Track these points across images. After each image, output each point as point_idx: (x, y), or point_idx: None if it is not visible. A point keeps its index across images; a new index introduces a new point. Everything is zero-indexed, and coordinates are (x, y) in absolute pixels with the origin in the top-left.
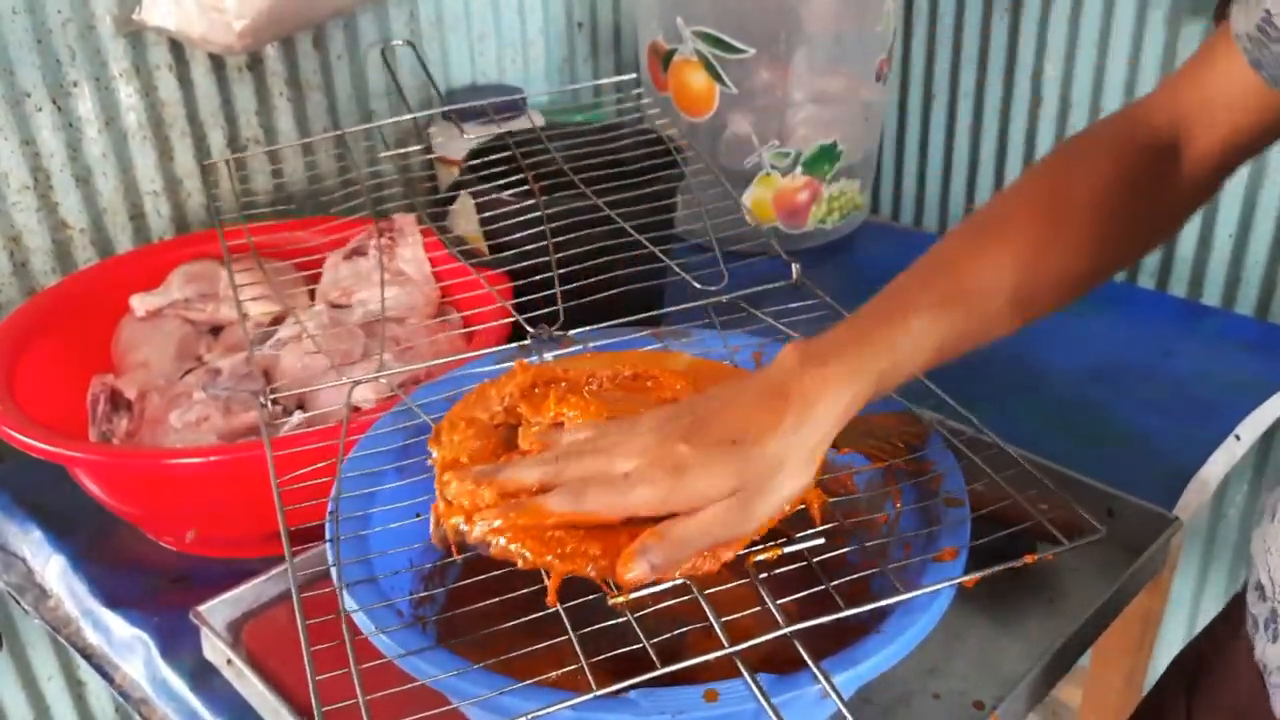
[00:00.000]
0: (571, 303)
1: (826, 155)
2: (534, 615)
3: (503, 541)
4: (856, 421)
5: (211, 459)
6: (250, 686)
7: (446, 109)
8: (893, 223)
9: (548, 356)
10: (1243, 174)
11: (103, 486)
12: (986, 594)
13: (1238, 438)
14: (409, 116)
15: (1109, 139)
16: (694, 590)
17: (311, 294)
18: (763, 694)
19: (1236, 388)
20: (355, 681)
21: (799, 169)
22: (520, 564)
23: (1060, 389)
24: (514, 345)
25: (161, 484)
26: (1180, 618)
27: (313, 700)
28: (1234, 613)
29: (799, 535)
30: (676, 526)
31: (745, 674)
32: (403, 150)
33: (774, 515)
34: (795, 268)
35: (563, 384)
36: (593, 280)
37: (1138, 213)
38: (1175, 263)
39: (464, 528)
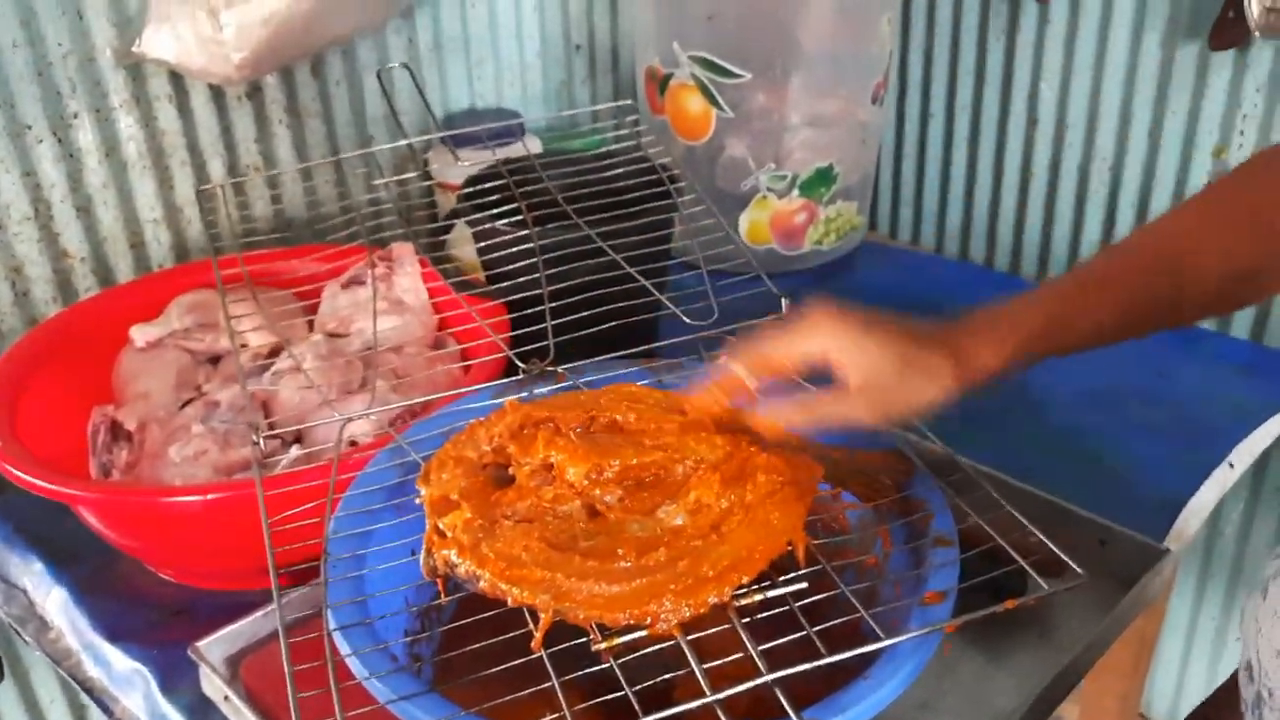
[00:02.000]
0: (563, 337)
1: (823, 178)
2: (528, 657)
3: (488, 576)
4: (846, 459)
5: (208, 497)
6: None
7: (443, 134)
8: (890, 240)
9: (539, 392)
10: None
11: (102, 522)
12: (978, 628)
13: (1231, 465)
14: (405, 142)
15: None
16: (678, 637)
17: (310, 324)
18: None
19: (1231, 412)
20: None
21: (796, 191)
22: (510, 602)
23: (1058, 414)
24: (506, 381)
25: (159, 520)
26: (1177, 636)
27: None
28: (1228, 688)
29: (783, 579)
30: (821, 403)
31: None
32: (400, 177)
33: (899, 418)
34: (785, 302)
35: (552, 424)
36: (585, 314)
37: None
38: None
39: (455, 560)
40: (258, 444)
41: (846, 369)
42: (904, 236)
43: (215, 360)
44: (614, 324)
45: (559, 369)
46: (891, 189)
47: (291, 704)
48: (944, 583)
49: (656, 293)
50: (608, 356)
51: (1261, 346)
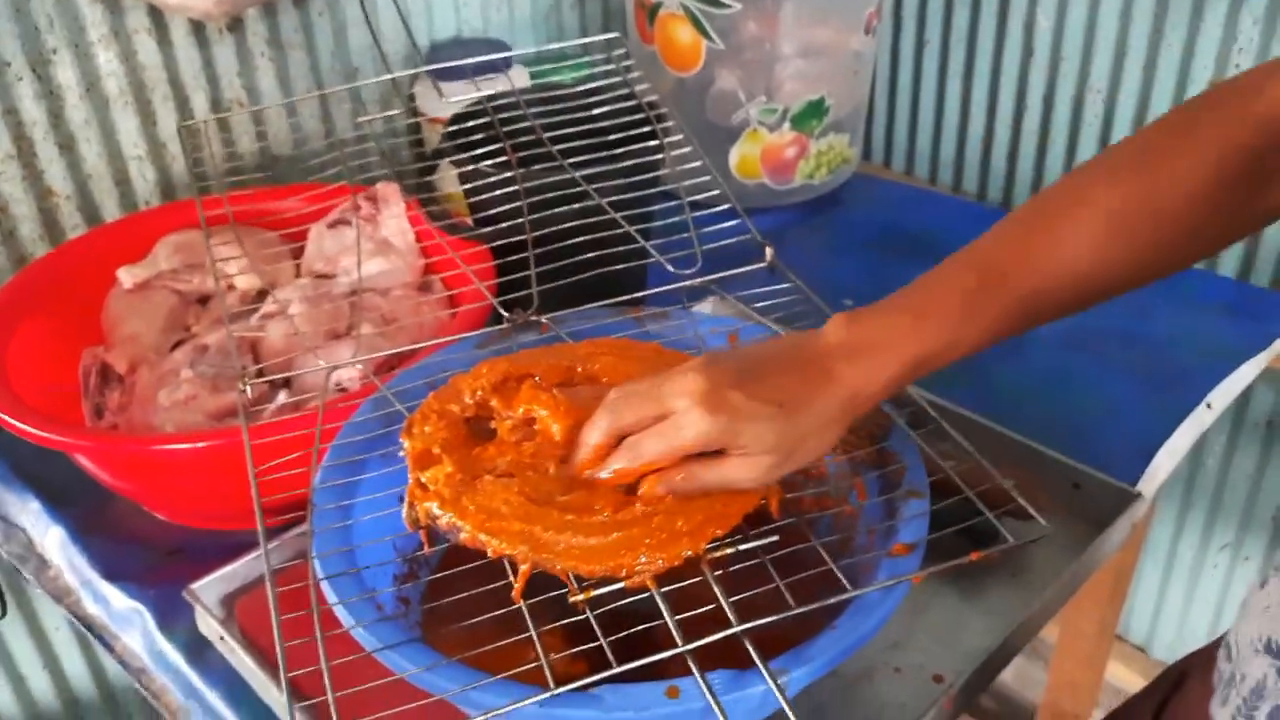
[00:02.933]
0: (547, 285)
1: (814, 110)
2: (509, 607)
3: (469, 529)
4: None
5: (198, 445)
6: (242, 662)
7: (428, 69)
8: (884, 170)
9: (523, 341)
10: None
11: (96, 467)
12: (951, 568)
13: (1209, 406)
14: (389, 77)
15: (1219, 112)
16: (652, 588)
17: (297, 265)
18: (711, 693)
19: (1211, 353)
20: (325, 680)
21: (787, 124)
22: (490, 553)
23: (1039, 355)
24: (490, 330)
25: (152, 466)
26: (1156, 564)
27: (285, 698)
28: (1212, 652)
29: (755, 533)
30: (705, 469)
31: (695, 672)
32: (386, 114)
33: (779, 477)
34: (769, 251)
35: (534, 378)
36: (569, 262)
37: (1246, 200)
38: None
39: (436, 512)
40: (244, 391)
41: (730, 445)
42: (898, 167)
43: (204, 300)
44: (598, 272)
45: (543, 319)
46: (886, 120)
47: (279, 652)
48: (913, 535)
49: (643, 241)
50: (592, 306)
51: (1247, 285)
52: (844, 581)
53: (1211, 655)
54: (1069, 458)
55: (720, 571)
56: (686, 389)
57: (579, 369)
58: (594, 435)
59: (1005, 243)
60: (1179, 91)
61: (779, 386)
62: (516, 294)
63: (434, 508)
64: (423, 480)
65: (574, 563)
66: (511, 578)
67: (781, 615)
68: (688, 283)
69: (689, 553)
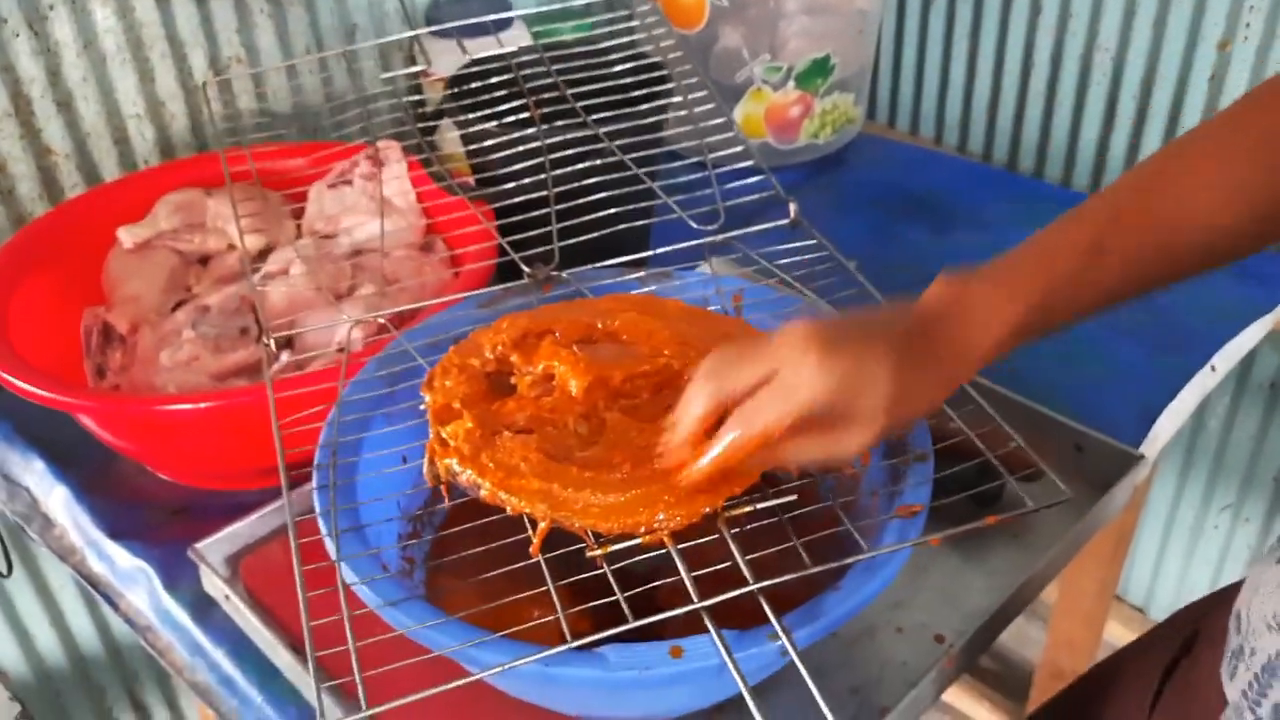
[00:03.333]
0: (566, 241)
1: (819, 69)
2: (519, 563)
3: (488, 486)
4: None
5: (203, 405)
6: (246, 620)
7: (430, 30)
8: (889, 130)
9: (543, 298)
10: (1238, 91)
11: (99, 427)
12: (968, 531)
13: (1213, 369)
14: (391, 39)
15: None
16: (669, 545)
17: (298, 225)
18: (726, 649)
19: (1217, 316)
20: (347, 630)
21: (791, 83)
22: (509, 510)
23: None
24: (509, 285)
25: (156, 427)
26: (1156, 525)
27: (308, 648)
28: (1223, 614)
29: (774, 491)
30: (815, 440)
31: (712, 630)
32: (391, 74)
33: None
34: (793, 207)
35: (556, 334)
36: (587, 219)
37: None
38: None
39: (457, 469)
40: (267, 345)
41: (847, 404)
42: (903, 127)
43: (205, 261)
44: (618, 229)
45: (564, 274)
46: (892, 79)
47: (303, 608)
48: (920, 498)
49: (665, 196)
50: (610, 263)
51: None
52: (861, 543)
53: (1222, 618)
54: (1073, 420)
55: (736, 530)
56: (796, 344)
57: (599, 325)
58: (697, 405)
59: (1122, 200)
60: (1188, 51)
61: (888, 346)
62: (535, 250)
63: (454, 464)
64: (444, 435)
65: (593, 520)
66: (530, 533)
67: (800, 574)
68: (709, 239)
69: (708, 509)
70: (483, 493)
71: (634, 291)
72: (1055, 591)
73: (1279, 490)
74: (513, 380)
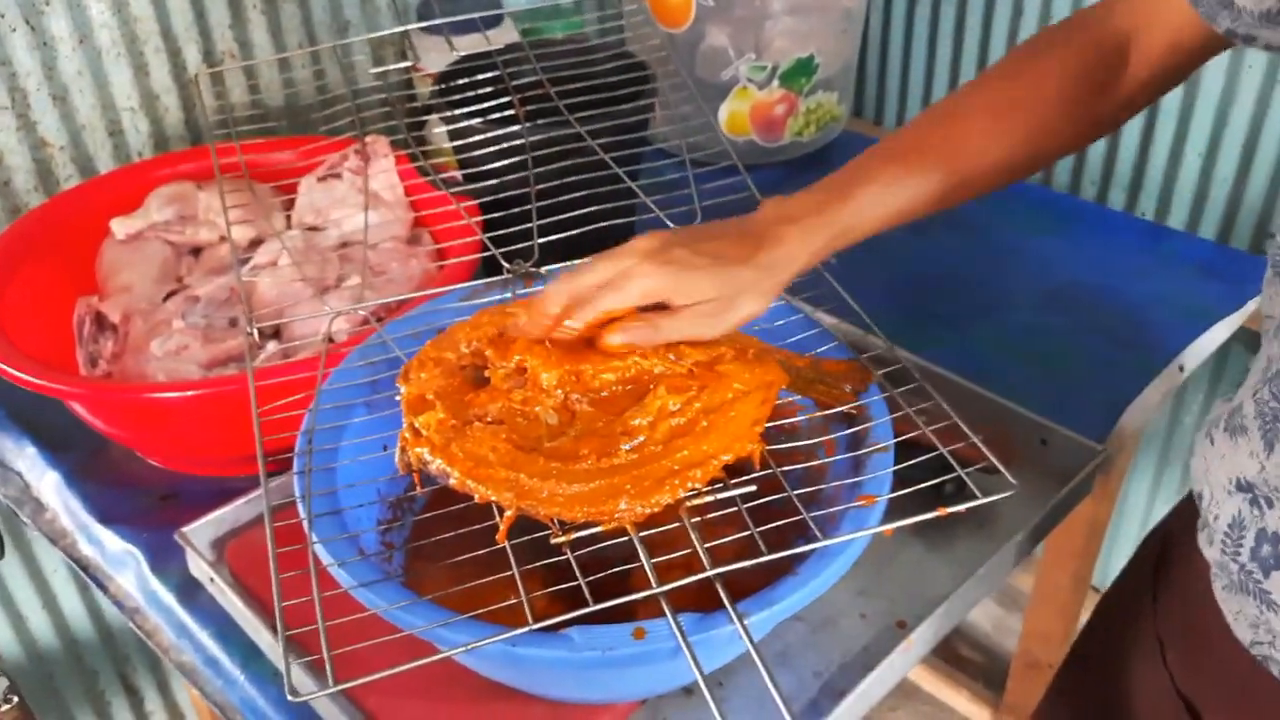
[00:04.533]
0: (547, 238)
1: (803, 68)
2: (492, 547)
3: (457, 474)
4: (809, 368)
5: (191, 393)
6: (231, 603)
7: (425, 24)
8: (875, 128)
9: (521, 293)
10: (1213, 90)
11: (91, 414)
12: (918, 522)
13: (1181, 369)
14: (382, 34)
15: (1070, 34)
16: (632, 533)
17: (288, 217)
18: (681, 633)
19: (1186, 314)
20: (317, 609)
21: (776, 82)
22: (477, 498)
23: (1019, 313)
24: (490, 280)
25: (146, 414)
26: (1134, 519)
27: (278, 626)
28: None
29: (734, 481)
30: (661, 319)
31: (668, 614)
32: (381, 69)
33: (731, 329)
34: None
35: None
36: (566, 216)
37: (1090, 105)
38: (1145, 180)
39: (428, 457)
40: (250, 335)
41: (674, 300)
42: (889, 125)
43: (196, 252)
44: (596, 227)
45: (542, 270)
46: (877, 77)
47: (274, 582)
48: (878, 489)
49: (643, 195)
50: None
51: (1226, 247)
52: (815, 531)
53: (1189, 510)
54: (1039, 415)
55: (697, 519)
56: (636, 249)
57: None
58: (553, 302)
59: (912, 137)
60: None
61: (718, 247)
62: (515, 246)
63: (425, 453)
64: (416, 425)
65: (557, 509)
66: (498, 519)
67: (754, 561)
68: None
69: (668, 499)
70: (452, 481)
71: None
72: (1032, 584)
73: None
74: (487, 374)
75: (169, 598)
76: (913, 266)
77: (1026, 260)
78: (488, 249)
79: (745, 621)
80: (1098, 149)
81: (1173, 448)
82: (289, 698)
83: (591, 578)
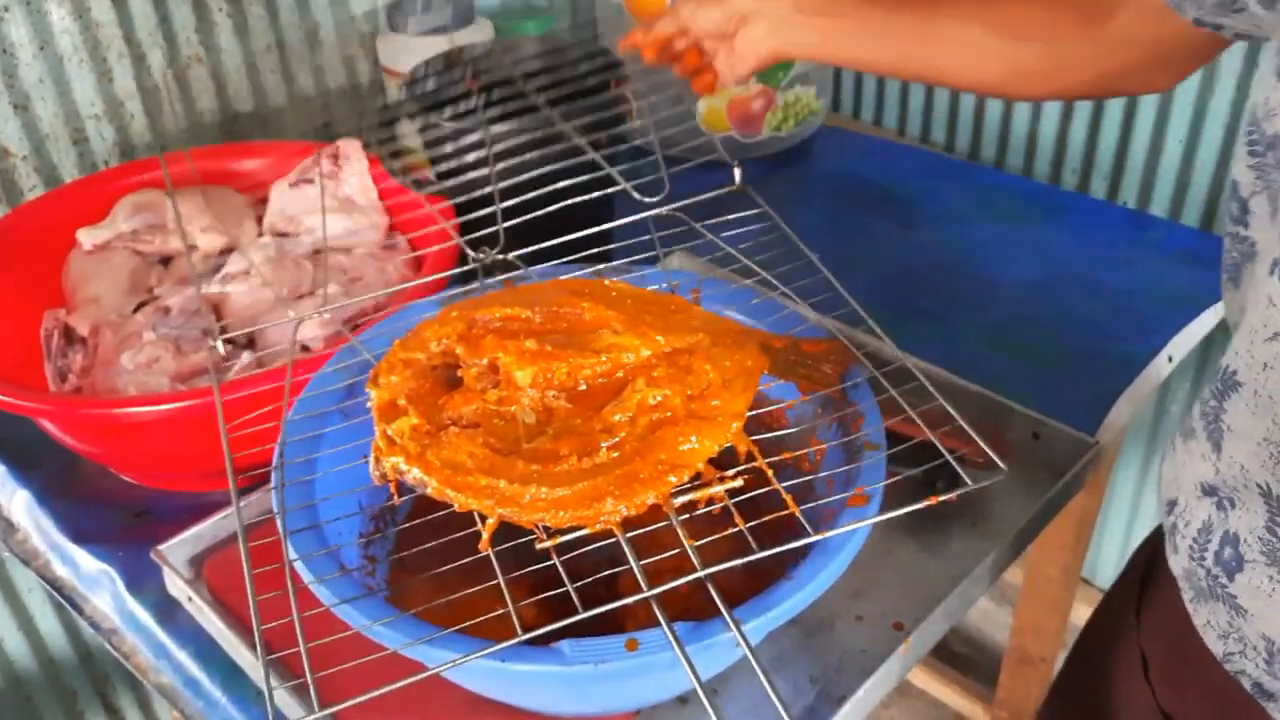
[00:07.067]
0: (512, 221)
1: (781, 64)
2: (477, 555)
3: (435, 483)
4: (789, 349)
5: (162, 407)
6: (210, 622)
7: (395, 27)
8: (854, 121)
9: (489, 283)
10: (1192, 78)
11: (60, 430)
12: (913, 516)
13: (1170, 359)
14: (352, 37)
15: None
16: (619, 534)
17: (260, 223)
18: (677, 641)
19: (1172, 302)
20: (298, 631)
21: (753, 77)
22: (457, 507)
23: (1005, 303)
24: (456, 271)
25: (117, 429)
26: (1122, 510)
27: (259, 653)
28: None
29: (720, 477)
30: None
31: (662, 622)
32: (351, 70)
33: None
34: (737, 171)
35: (499, 323)
36: (532, 197)
37: (1072, 44)
38: (1127, 169)
39: (404, 467)
40: (215, 348)
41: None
42: (867, 118)
43: (166, 261)
44: (564, 204)
45: (509, 256)
46: (856, 71)
47: (252, 606)
48: (870, 483)
49: (608, 166)
50: (560, 240)
51: (1210, 234)
52: (806, 526)
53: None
54: (1030, 408)
55: (685, 516)
56: None
57: (544, 313)
58: (663, 25)
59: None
60: None
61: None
62: (481, 232)
63: (400, 463)
64: (390, 433)
65: (540, 514)
66: (480, 527)
67: (746, 559)
68: (654, 211)
69: (654, 498)
70: (429, 490)
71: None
72: (1022, 577)
73: None
74: (460, 373)
75: (146, 617)
76: (897, 260)
77: (1009, 252)
78: (463, 250)
79: (743, 628)
80: (1078, 137)
81: (1159, 438)
82: None
83: (579, 583)
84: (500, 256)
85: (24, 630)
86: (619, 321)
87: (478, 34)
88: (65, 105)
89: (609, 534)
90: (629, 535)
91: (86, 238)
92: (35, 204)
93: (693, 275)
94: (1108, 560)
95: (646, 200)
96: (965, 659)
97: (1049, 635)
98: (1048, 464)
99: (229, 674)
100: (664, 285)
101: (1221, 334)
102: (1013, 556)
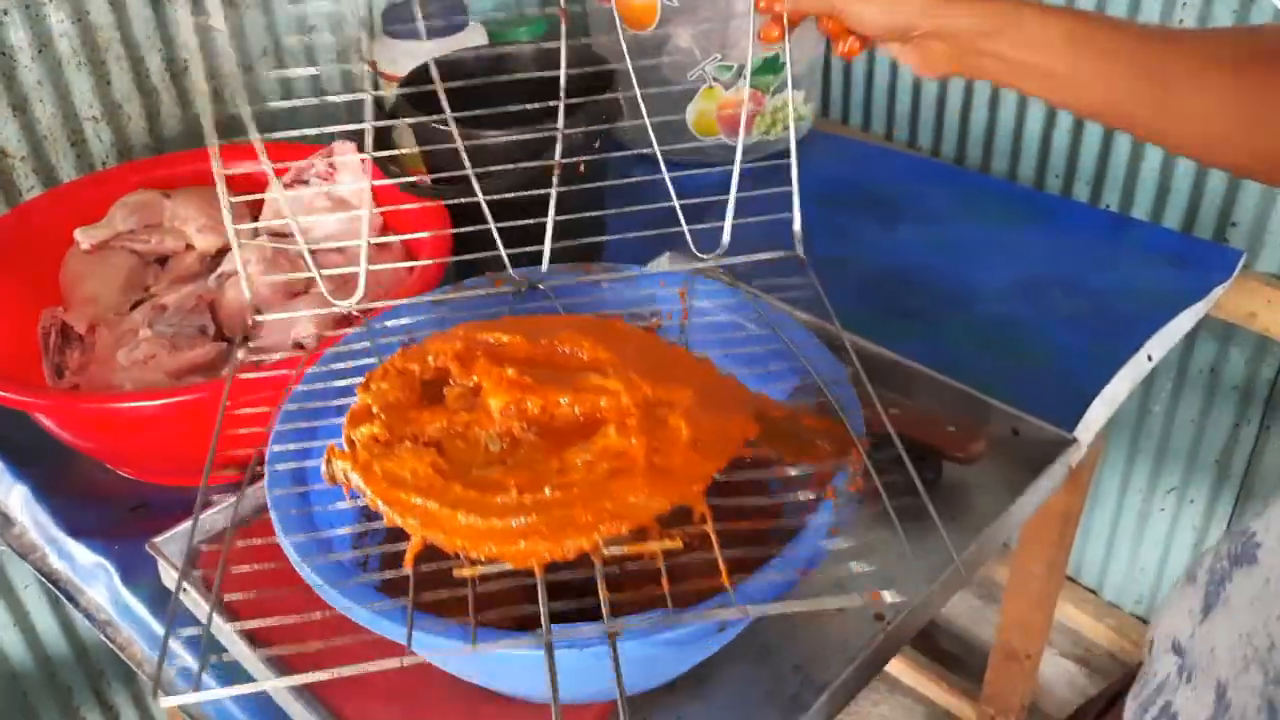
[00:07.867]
0: (505, 223)
1: (770, 67)
2: (405, 571)
3: (370, 494)
4: (786, 420)
5: (158, 403)
6: (204, 614)
7: (391, 30)
8: (842, 126)
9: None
10: None
11: (57, 426)
12: (895, 510)
13: (1149, 358)
14: (348, 40)
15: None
16: (537, 575)
17: (255, 224)
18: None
19: (1151, 303)
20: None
21: (742, 81)
22: (385, 520)
23: (989, 305)
24: (461, 282)
25: (114, 425)
26: (1106, 508)
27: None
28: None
29: (658, 534)
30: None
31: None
32: (347, 74)
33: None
34: (798, 237)
35: (498, 347)
36: (526, 200)
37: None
38: (1109, 173)
39: (349, 473)
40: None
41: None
42: (855, 123)
43: (162, 261)
44: (558, 208)
45: (510, 271)
46: (843, 76)
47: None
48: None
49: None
50: (559, 245)
51: (1191, 237)
52: (732, 599)
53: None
54: (1010, 405)
55: (617, 568)
56: None
57: (543, 346)
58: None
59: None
60: None
61: None
62: (479, 254)
63: (347, 469)
64: (352, 437)
65: (463, 541)
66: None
67: (650, 617)
68: (706, 264)
69: (584, 545)
70: (366, 499)
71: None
72: (1007, 575)
73: (1220, 472)
74: (445, 390)
75: (141, 609)
76: (882, 260)
77: (993, 253)
78: (457, 252)
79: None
80: (1062, 143)
81: (1142, 436)
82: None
83: (489, 613)
84: (533, 285)
85: (20, 626)
86: (612, 366)
87: (471, 39)
88: (64, 107)
89: (529, 572)
90: (549, 578)
91: (84, 237)
92: (34, 204)
93: (680, 275)
94: (1093, 559)
95: (700, 255)
96: (953, 657)
97: (1034, 632)
98: (1027, 459)
99: (224, 667)
100: (656, 287)
101: (1204, 333)
102: (994, 548)
